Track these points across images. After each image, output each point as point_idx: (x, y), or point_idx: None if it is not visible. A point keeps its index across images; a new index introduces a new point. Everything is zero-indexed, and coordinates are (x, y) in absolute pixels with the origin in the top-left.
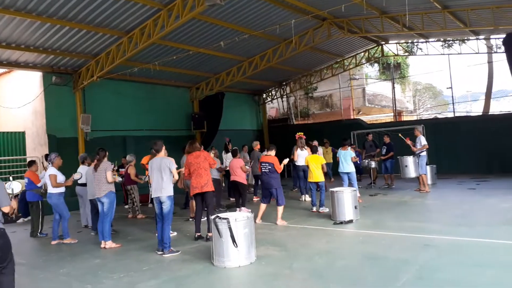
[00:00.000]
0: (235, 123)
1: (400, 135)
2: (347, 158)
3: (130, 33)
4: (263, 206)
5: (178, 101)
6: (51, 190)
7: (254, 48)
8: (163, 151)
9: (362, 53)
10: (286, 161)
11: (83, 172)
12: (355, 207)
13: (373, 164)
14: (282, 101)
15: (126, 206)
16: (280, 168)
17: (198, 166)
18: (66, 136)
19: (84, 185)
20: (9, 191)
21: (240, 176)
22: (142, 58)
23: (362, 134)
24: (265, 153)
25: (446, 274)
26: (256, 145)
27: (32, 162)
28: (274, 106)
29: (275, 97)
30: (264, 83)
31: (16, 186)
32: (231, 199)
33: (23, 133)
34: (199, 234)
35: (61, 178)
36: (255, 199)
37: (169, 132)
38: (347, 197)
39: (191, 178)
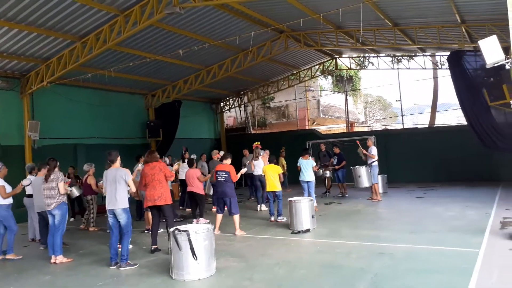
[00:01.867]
0: (192, 131)
1: (358, 142)
2: (308, 167)
3: (84, 38)
4: (219, 216)
5: (133, 108)
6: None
7: (213, 57)
8: (118, 162)
9: (317, 66)
10: (243, 170)
11: (31, 179)
12: (312, 216)
13: (327, 174)
14: (240, 110)
15: (72, 219)
16: (236, 177)
17: (152, 178)
18: (11, 143)
19: (31, 196)
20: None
21: (197, 186)
22: (96, 63)
23: (317, 144)
24: (217, 161)
25: (400, 281)
26: (216, 154)
27: None
28: (231, 115)
29: (233, 106)
30: (222, 92)
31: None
32: (187, 209)
33: None
34: (155, 246)
35: (8, 188)
36: (213, 209)
37: (123, 140)
38: (304, 206)
39: (146, 189)
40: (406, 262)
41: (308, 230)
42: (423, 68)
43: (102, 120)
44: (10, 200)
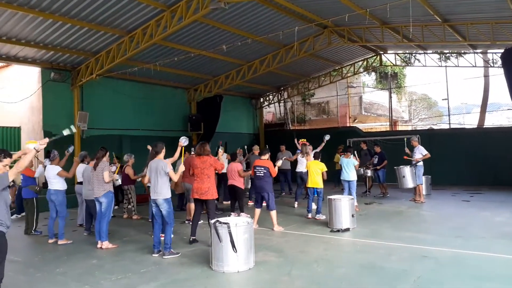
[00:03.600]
0: (231, 126)
1: (406, 150)
2: (349, 166)
3: (132, 33)
4: (257, 211)
5: (176, 102)
6: (58, 187)
7: (255, 53)
8: (162, 154)
9: (361, 62)
10: (279, 163)
11: (80, 170)
12: (352, 216)
13: (368, 173)
14: (279, 106)
15: (116, 207)
16: (275, 172)
17: (202, 172)
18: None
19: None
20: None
21: (238, 180)
22: (142, 58)
23: (358, 142)
24: (257, 156)
25: (444, 286)
26: (257, 150)
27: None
28: (271, 111)
29: (272, 101)
30: (262, 87)
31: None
32: (224, 202)
33: (19, 128)
34: (194, 237)
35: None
36: (250, 203)
37: (166, 132)
38: (344, 205)
39: (187, 180)
40: (452, 267)
41: (347, 229)
42: (473, 66)
43: (146, 113)
44: (65, 187)
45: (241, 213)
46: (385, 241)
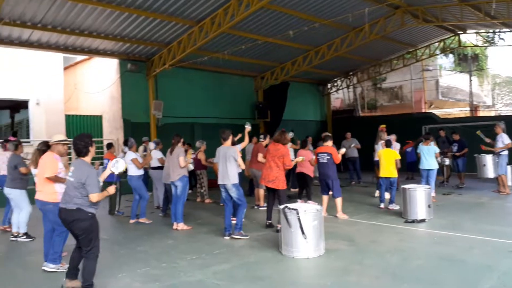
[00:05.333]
0: (298, 113)
1: (478, 133)
2: (430, 154)
3: (200, 23)
4: (325, 198)
5: (243, 90)
6: (131, 173)
7: (322, 37)
8: (230, 140)
9: (437, 43)
10: (343, 151)
11: (157, 156)
12: (429, 206)
13: (447, 162)
14: (348, 92)
15: (190, 191)
16: (338, 159)
17: (273, 159)
18: (139, 121)
19: (157, 168)
20: (114, 169)
21: (307, 168)
22: (211, 47)
23: (434, 129)
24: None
25: None
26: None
27: (111, 145)
28: (339, 97)
29: (341, 87)
30: (330, 72)
31: (121, 165)
32: (291, 189)
33: (101, 117)
34: (270, 222)
35: (140, 160)
36: None
37: (234, 120)
38: (420, 195)
39: (254, 166)
40: None
41: (423, 220)
42: None
43: (215, 101)
44: (141, 172)
45: (308, 201)
46: (465, 233)
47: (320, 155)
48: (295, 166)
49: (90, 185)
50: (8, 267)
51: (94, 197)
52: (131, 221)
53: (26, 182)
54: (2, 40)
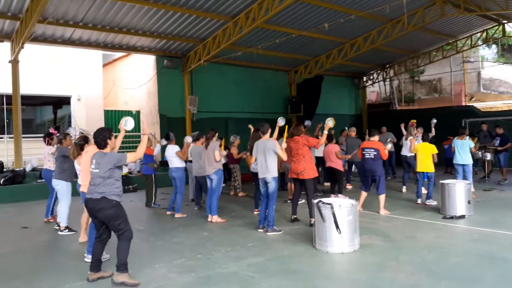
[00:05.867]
0: (332, 107)
1: None
2: (464, 149)
3: (235, 18)
4: (364, 194)
5: (276, 84)
6: (177, 165)
7: (358, 29)
8: (268, 134)
9: (479, 33)
10: (389, 146)
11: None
12: (469, 202)
13: (488, 156)
14: (385, 85)
15: (223, 185)
16: (385, 155)
17: (296, 152)
18: (175, 116)
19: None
20: (125, 127)
21: (336, 162)
22: (245, 42)
23: (476, 123)
24: (355, 138)
25: None
26: (354, 131)
27: (147, 139)
28: (374, 90)
29: (377, 80)
30: (365, 65)
31: (130, 123)
32: (325, 184)
33: (138, 112)
34: (295, 216)
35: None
36: (348, 186)
37: (267, 115)
38: (459, 190)
39: (287, 160)
40: None
41: (462, 217)
42: None
43: (248, 96)
44: (183, 164)
45: (339, 195)
46: (507, 230)
47: (366, 150)
48: (324, 160)
49: (120, 159)
50: (52, 256)
51: (130, 156)
52: (168, 213)
53: (73, 175)
54: (46, 39)
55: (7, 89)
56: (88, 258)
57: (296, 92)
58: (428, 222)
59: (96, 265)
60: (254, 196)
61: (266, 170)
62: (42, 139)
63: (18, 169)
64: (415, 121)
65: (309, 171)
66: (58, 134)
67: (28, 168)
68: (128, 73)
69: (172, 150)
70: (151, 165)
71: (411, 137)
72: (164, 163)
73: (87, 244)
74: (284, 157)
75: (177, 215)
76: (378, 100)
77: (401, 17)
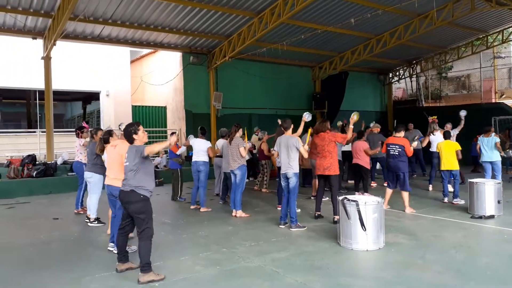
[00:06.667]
0: (357, 103)
1: None
2: (489, 146)
3: (260, 14)
4: (389, 191)
5: (301, 80)
6: (205, 159)
7: (384, 25)
8: (291, 130)
9: (511, 28)
10: (415, 144)
11: (219, 145)
12: (498, 202)
13: None
14: (411, 81)
15: (247, 180)
16: (411, 151)
17: (322, 148)
18: (200, 112)
19: (220, 156)
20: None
21: (363, 159)
22: (270, 38)
23: (506, 120)
24: (377, 134)
25: None
26: (377, 127)
27: (173, 134)
28: (400, 87)
29: (403, 76)
30: (391, 61)
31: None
32: (349, 181)
33: (165, 107)
34: (319, 213)
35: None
36: (373, 184)
37: (291, 111)
38: (489, 189)
39: (314, 157)
40: None
41: (492, 216)
42: None
43: (272, 92)
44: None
45: (365, 193)
46: None
47: (391, 146)
48: (352, 157)
49: (138, 149)
50: (81, 247)
51: (146, 149)
52: (192, 207)
53: (104, 168)
54: (77, 36)
55: (39, 85)
56: (111, 247)
57: (321, 88)
58: (456, 222)
59: (123, 255)
60: (277, 192)
61: (288, 165)
62: (72, 133)
63: (49, 162)
64: (435, 117)
65: (335, 168)
66: (90, 129)
67: (59, 161)
68: (155, 69)
69: (204, 145)
70: (177, 160)
71: (433, 134)
72: (189, 158)
73: (110, 234)
74: (305, 154)
75: (202, 209)
76: (405, 96)
77: (430, 12)
